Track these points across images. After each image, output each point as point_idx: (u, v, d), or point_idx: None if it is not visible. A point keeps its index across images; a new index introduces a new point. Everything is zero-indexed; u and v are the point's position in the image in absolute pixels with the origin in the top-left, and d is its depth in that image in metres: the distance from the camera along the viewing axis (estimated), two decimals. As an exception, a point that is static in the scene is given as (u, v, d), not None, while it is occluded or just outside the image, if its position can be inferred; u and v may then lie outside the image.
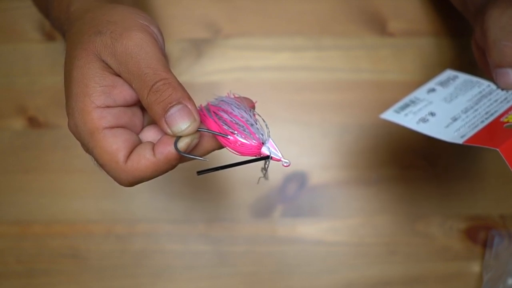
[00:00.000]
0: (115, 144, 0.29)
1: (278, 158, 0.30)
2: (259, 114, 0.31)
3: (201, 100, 0.32)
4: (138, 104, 0.31)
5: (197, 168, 0.28)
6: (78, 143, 0.53)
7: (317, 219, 0.53)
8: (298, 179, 0.53)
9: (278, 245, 0.52)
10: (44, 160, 0.53)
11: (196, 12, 0.55)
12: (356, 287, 0.52)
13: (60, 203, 0.52)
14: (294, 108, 0.54)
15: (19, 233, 0.52)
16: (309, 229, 0.53)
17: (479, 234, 0.53)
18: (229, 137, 0.29)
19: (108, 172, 0.30)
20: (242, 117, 0.30)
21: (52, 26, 0.52)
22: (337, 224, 0.53)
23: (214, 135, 0.30)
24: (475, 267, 0.52)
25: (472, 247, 0.52)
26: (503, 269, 0.50)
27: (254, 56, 0.55)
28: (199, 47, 0.55)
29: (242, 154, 0.30)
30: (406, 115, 0.40)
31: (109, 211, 0.52)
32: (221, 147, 0.31)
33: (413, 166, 0.54)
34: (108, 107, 0.29)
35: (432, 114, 0.39)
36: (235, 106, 0.30)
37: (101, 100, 0.29)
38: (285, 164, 0.30)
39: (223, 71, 0.55)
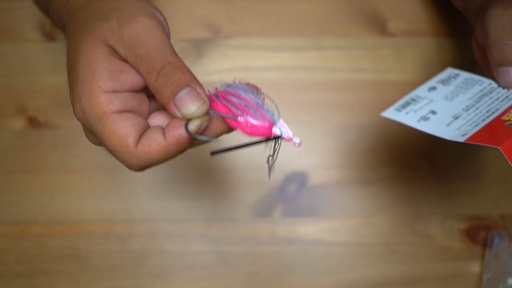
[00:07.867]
0: (124, 129, 0.28)
1: (290, 137, 0.30)
2: (268, 96, 0.31)
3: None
4: (145, 91, 0.31)
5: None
6: (78, 142, 0.53)
7: (317, 219, 0.53)
8: (298, 179, 0.53)
9: (278, 245, 0.52)
10: (44, 160, 0.53)
11: (196, 12, 0.55)
12: (356, 287, 0.52)
13: (60, 203, 0.52)
14: (294, 108, 0.54)
15: (19, 233, 0.52)
16: (309, 229, 0.53)
17: (479, 234, 0.53)
18: (239, 118, 0.29)
19: (118, 157, 0.29)
20: (251, 99, 0.30)
21: (51, 22, 0.52)
22: (337, 224, 0.53)
23: (224, 118, 0.30)
24: (475, 267, 0.52)
25: (472, 247, 0.52)
26: (503, 269, 0.50)
27: (254, 56, 0.55)
28: (199, 47, 0.55)
29: (253, 135, 0.30)
30: (407, 113, 0.39)
31: (109, 211, 0.52)
32: (230, 130, 0.30)
33: (413, 166, 0.54)
34: (115, 91, 0.29)
35: (433, 112, 0.39)
36: (243, 90, 0.30)
37: (109, 84, 0.29)
38: (296, 143, 0.30)
39: (223, 71, 0.55)
